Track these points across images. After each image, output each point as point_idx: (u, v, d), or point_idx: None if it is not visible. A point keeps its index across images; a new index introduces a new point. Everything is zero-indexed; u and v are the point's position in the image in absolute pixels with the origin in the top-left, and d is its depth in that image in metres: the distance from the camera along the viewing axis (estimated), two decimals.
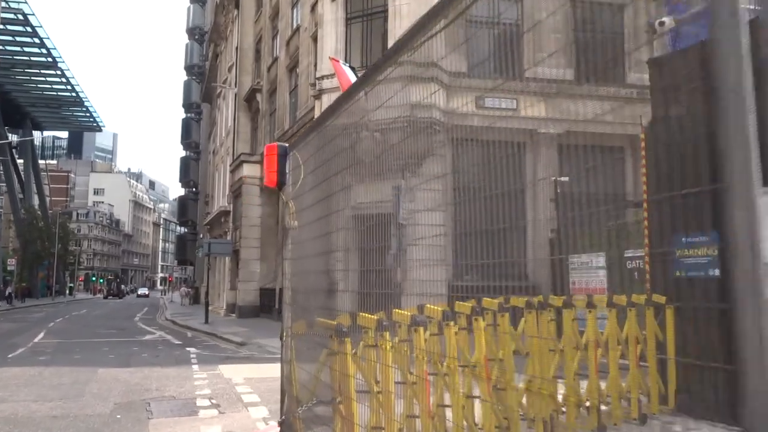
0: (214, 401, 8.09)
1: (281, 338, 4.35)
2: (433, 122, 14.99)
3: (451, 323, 4.39)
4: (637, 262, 12.57)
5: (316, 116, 18.64)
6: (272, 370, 11.37)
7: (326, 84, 17.75)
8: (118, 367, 11.80)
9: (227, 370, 11.26)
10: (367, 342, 4.06)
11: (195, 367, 11.79)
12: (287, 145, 4.48)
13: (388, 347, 3.87)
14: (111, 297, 79.43)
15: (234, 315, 28.51)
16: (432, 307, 5.09)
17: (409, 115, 15.33)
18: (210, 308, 25.88)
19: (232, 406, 7.82)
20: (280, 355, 13.61)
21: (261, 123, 29.43)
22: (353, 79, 16.61)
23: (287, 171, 4.37)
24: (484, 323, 4.80)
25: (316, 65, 20.60)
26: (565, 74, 18.22)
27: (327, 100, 17.80)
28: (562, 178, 15.08)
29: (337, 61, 16.23)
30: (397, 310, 4.88)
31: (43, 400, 8.31)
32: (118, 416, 7.27)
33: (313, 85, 18.94)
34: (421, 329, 3.96)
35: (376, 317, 4.06)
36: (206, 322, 24.01)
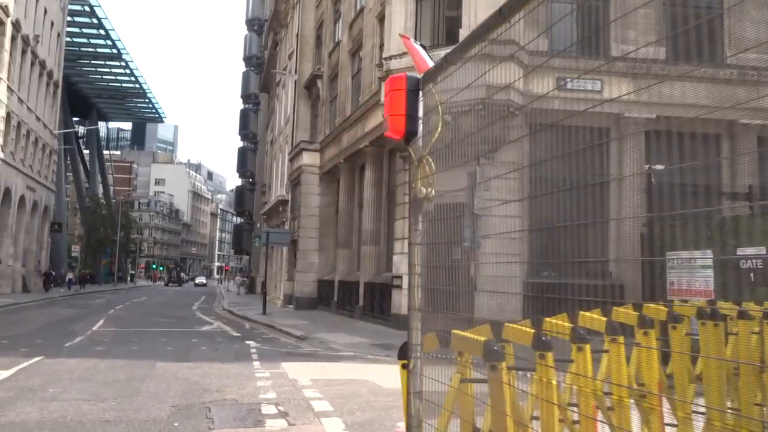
0: (281, 408, 7.15)
1: (405, 359, 3.27)
2: (510, 105, 13.50)
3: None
4: (755, 261, 11.03)
5: (381, 100, 17.57)
6: (340, 371, 10.47)
7: (394, 64, 16.67)
8: (177, 361, 11.08)
9: (291, 368, 10.37)
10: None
11: (256, 363, 10.96)
12: (420, 76, 3.38)
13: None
14: (171, 284, 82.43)
15: (291, 306, 27.90)
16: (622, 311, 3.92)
17: (485, 97, 13.54)
18: (267, 299, 25.30)
19: (303, 416, 6.86)
20: (345, 353, 12.65)
21: (321, 110, 28.63)
22: (426, 58, 15.44)
23: (418, 115, 3.31)
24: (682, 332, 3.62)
25: (381, 46, 19.55)
26: (657, 53, 16.57)
27: None
28: (658, 167, 13.56)
29: (408, 39, 15.10)
30: (548, 319, 3.76)
31: (96, 400, 7.56)
32: (176, 424, 6.41)
33: (380, 65, 17.90)
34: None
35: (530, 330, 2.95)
36: (264, 313, 23.41)
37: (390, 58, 16.84)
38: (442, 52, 12.63)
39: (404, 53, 16.14)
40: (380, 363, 11.86)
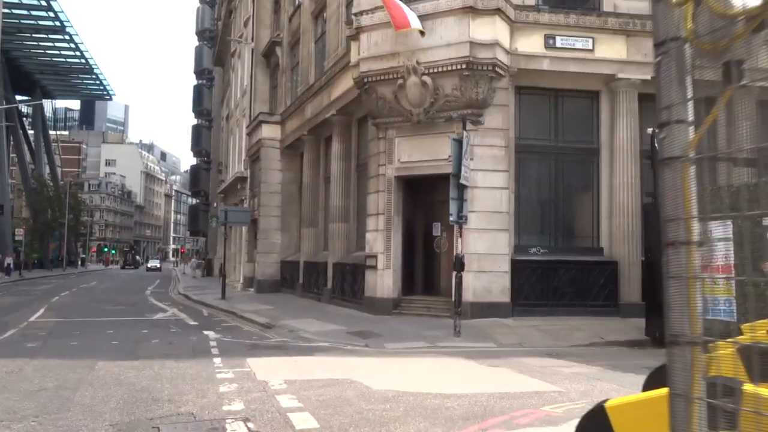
0: (251, 426, 5.59)
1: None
2: (495, 65, 11.71)
3: None
4: None
5: (352, 61, 15.88)
6: (318, 368, 8.91)
7: (365, 20, 15.02)
8: (122, 359, 9.37)
9: (259, 366, 8.80)
10: None
11: (217, 360, 9.34)
12: None
13: None
14: (127, 267, 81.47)
15: (252, 290, 26.18)
16: None
17: (468, 55, 11.81)
18: (226, 281, 23.51)
19: None
20: (319, 343, 11.10)
21: (281, 80, 26.71)
22: (407, 10, 13.90)
23: None
24: None
25: (349, 4, 17.82)
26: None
27: (366, 40, 15.09)
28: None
29: None
30: None
31: (11, 419, 5.87)
32: None
33: (348, 23, 16.20)
34: None
35: None
36: (223, 297, 21.66)
37: (361, 13, 15.16)
38: (420, 6, 10.82)
39: (378, 7, 14.50)
40: (362, 355, 10.38)
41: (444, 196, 15.32)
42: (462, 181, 12.36)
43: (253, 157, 28.01)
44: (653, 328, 12.07)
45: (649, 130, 13.05)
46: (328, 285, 19.26)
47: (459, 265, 12.45)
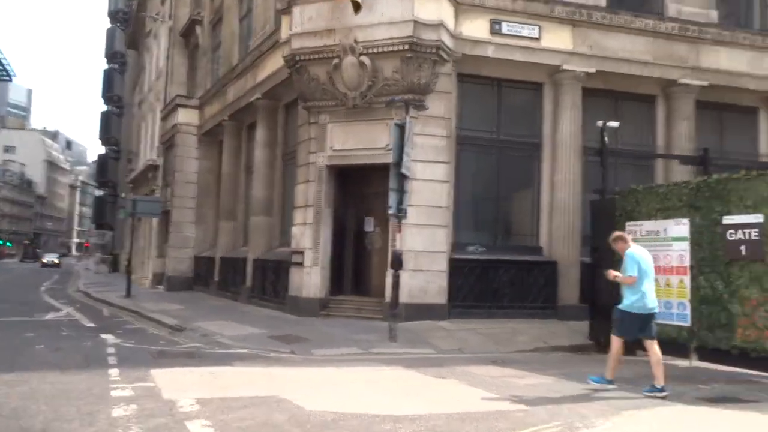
0: None
1: None
2: (440, 47, 10.43)
3: None
4: (747, 232, 9.33)
5: (282, 38, 14.50)
6: (238, 382, 7.42)
7: None
8: None
9: (166, 379, 7.31)
10: None
11: (114, 372, 7.76)
12: None
13: None
14: (27, 260, 77.37)
15: (161, 287, 24.10)
16: None
17: (411, 35, 10.39)
18: (132, 278, 21.39)
19: None
20: (238, 350, 9.60)
21: (201, 61, 24.79)
22: None
23: None
24: None
25: None
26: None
27: (299, 14, 13.71)
28: (612, 123, 11.63)
29: None
30: None
31: None
32: None
33: None
34: None
35: None
36: (128, 295, 19.56)
37: None
38: None
39: None
40: (288, 364, 9.04)
41: (379, 189, 14.19)
42: (403, 171, 11.25)
43: (167, 144, 25.89)
44: (597, 332, 11.39)
45: (599, 123, 12.41)
46: (246, 283, 17.70)
47: (397, 262, 11.33)
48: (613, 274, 7.37)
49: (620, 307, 7.32)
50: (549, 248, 14.45)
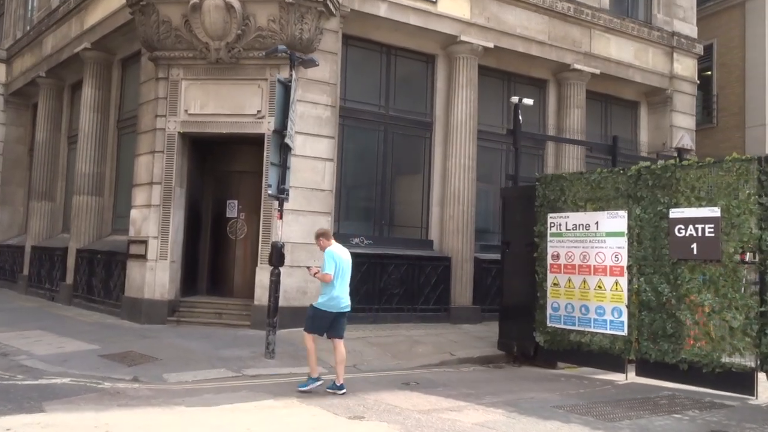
0: None
1: None
2: None
3: None
4: (700, 228, 8.09)
5: None
6: None
7: None
8: None
9: None
10: None
11: None
12: None
13: None
14: None
15: None
16: None
17: None
18: None
19: None
20: (53, 379, 6.48)
21: (9, 5, 20.15)
22: None
23: None
24: None
25: None
26: None
27: None
28: (527, 101, 10.16)
29: None
30: None
31: None
32: None
33: None
34: None
35: None
36: None
37: None
38: None
39: None
40: (131, 403, 6.32)
41: (247, 166, 11.69)
42: (287, 141, 8.87)
43: None
44: (508, 340, 9.91)
45: (514, 100, 10.92)
46: (67, 279, 14.09)
47: (278, 257, 8.93)
48: (313, 270, 7.39)
49: (314, 304, 7.27)
50: (440, 242, 12.81)
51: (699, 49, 16.29)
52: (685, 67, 15.97)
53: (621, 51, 14.92)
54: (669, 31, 15.62)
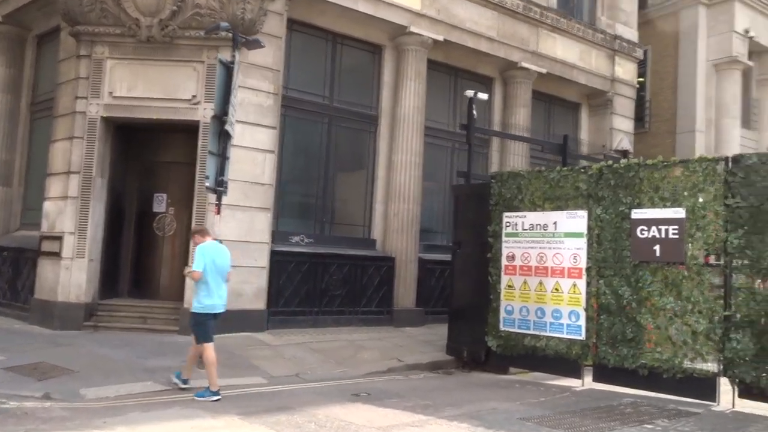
0: None
1: None
2: None
3: None
4: (663, 229, 7.82)
5: None
6: None
7: None
8: None
9: None
10: None
11: None
12: None
13: None
14: None
15: None
16: None
17: None
18: None
19: None
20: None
21: None
22: None
23: None
24: None
25: None
26: None
27: None
28: (482, 95, 9.73)
29: None
30: None
31: None
32: None
33: None
34: None
35: None
36: None
37: None
38: None
39: None
40: (49, 429, 5.38)
41: (178, 156, 10.75)
42: (227, 128, 8.04)
43: None
44: (459, 346, 9.46)
45: (468, 93, 10.48)
46: None
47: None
48: (187, 269, 7.10)
49: (193, 311, 6.86)
50: (384, 241, 12.23)
51: (639, 53, 16.49)
52: (626, 70, 16.10)
53: (567, 51, 14.83)
54: (612, 34, 15.67)
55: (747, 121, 19.11)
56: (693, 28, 18.33)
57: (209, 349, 6.73)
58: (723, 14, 18.17)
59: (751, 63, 18.57)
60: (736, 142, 17.66)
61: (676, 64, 18.76)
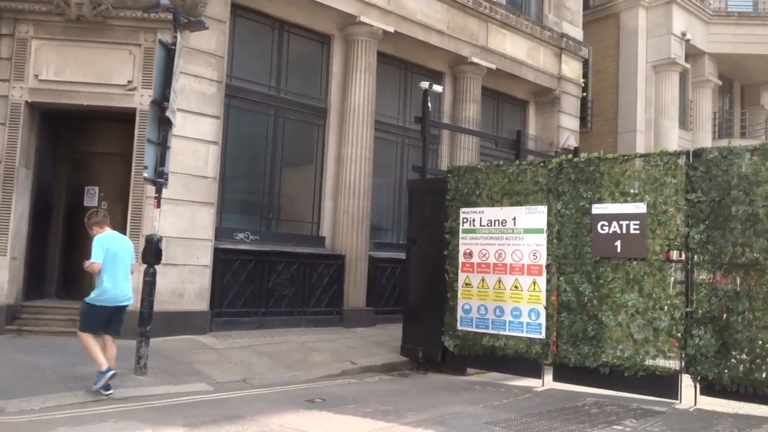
0: None
1: None
2: None
3: None
4: (624, 224, 7.67)
5: None
6: None
7: None
8: None
9: None
10: None
11: None
12: None
13: None
14: None
15: None
16: None
17: None
18: None
19: None
20: None
21: None
22: None
23: None
24: None
25: None
26: None
27: None
28: (436, 87, 9.43)
29: None
30: None
31: None
32: None
33: None
34: None
35: None
36: None
37: None
38: None
39: None
40: None
41: (112, 146, 10.07)
42: (168, 115, 7.43)
43: None
44: (414, 346, 9.13)
45: (423, 85, 10.15)
46: None
47: (154, 253, 7.43)
48: (86, 263, 6.61)
49: (87, 299, 6.58)
50: (333, 238, 11.79)
51: (584, 52, 16.61)
52: (572, 68, 16.19)
53: (515, 48, 14.75)
54: (558, 32, 15.71)
55: (684, 122, 19.62)
56: (633, 29, 18.67)
57: (87, 337, 6.43)
58: (661, 17, 18.58)
59: (687, 65, 19.07)
60: (674, 142, 18.05)
61: (617, 64, 19.06)
